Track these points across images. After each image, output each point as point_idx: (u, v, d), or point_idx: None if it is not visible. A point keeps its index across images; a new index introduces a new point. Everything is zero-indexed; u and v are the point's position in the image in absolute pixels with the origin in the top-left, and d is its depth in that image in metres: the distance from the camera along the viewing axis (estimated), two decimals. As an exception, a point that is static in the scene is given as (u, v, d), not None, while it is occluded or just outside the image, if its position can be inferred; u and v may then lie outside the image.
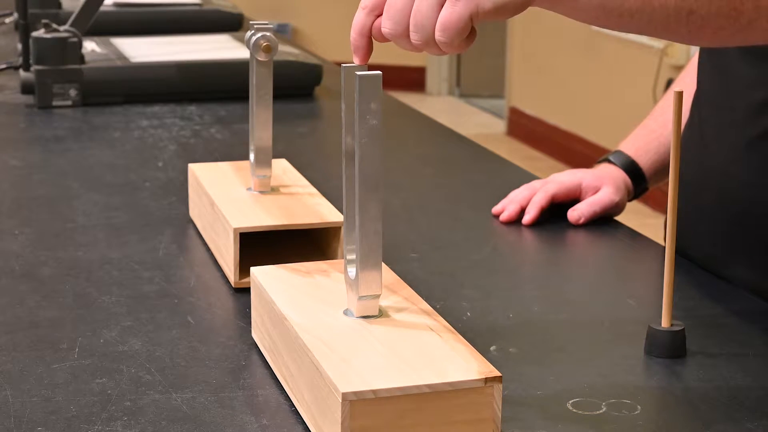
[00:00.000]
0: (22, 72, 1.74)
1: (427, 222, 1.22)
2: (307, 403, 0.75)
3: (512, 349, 0.88)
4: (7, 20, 2.43)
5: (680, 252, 1.05)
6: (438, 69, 6.42)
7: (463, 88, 6.39)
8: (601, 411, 0.78)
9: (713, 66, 1.12)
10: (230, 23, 2.32)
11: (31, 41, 1.72)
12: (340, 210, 0.89)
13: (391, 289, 0.83)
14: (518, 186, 1.37)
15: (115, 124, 1.63)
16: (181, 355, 0.86)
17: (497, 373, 0.71)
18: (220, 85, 1.80)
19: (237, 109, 1.72)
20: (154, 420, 0.76)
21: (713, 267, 1.08)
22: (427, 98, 6.30)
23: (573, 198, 1.22)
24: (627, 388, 0.81)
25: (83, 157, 1.44)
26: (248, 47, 1.06)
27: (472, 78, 6.35)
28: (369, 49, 0.82)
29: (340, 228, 1.00)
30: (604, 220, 1.21)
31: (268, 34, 1.06)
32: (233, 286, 1.00)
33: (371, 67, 0.74)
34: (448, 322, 0.78)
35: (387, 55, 6.72)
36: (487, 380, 0.70)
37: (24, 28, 1.76)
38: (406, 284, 0.85)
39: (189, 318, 0.93)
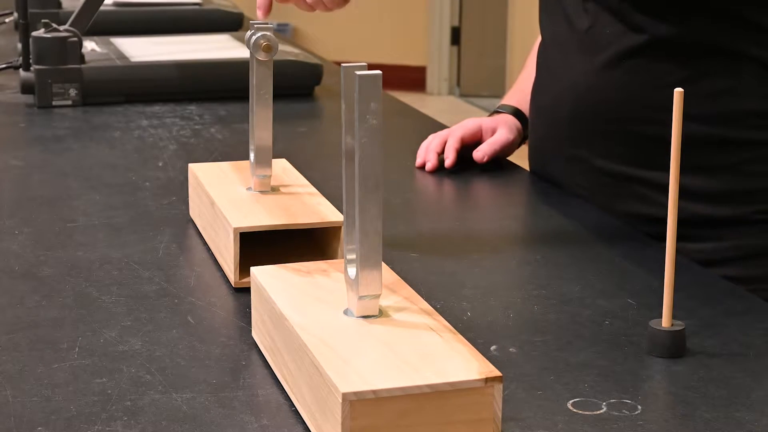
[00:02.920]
0: (22, 72, 1.74)
1: (427, 222, 1.22)
2: (307, 403, 0.75)
3: (512, 349, 0.88)
4: (7, 20, 2.44)
5: (539, 174, 1.37)
6: (438, 69, 6.42)
7: (463, 88, 6.39)
8: (601, 411, 0.78)
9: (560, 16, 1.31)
10: (230, 23, 2.32)
11: (31, 41, 1.72)
12: (340, 210, 0.89)
13: (391, 289, 0.83)
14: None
15: (115, 124, 1.63)
16: (181, 355, 0.86)
17: (497, 373, 0.71)
18: (220, 85, 1.80)
19: (237, 108, 1.72)
20: (154, 420, 0.76)
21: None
22: (427, 98, 6.30)
23: (477, 139, 1.43)
24: (627, 388, 0.81)
25: (83, 157, 1.44)
26: (248, 47, 1.06)
27: (472, 78, 6.35)
28: (270, 6, 1.19)
29: (340, 228, 1.00)
30: (605, 220, 1.21)
31: (268, 33, 1.06)
32: (233, 285, 1.00)
33: (371, 67, 0.74)
34: (448, 322, 0.78)
35: (387, 55, 6.72)
36: (487, 380, 0.70)
37: (24, 28, 1.76)
38: (406, 284, 0.85)
39: (189, 318, 0.93)
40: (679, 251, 1.13)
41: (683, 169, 1.18)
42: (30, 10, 1.83)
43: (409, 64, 6.40)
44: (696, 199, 1.21)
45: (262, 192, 1.09)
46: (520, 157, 1.44)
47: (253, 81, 1.07)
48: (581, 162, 1.28)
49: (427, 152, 1.41)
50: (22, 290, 0.99)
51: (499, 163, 1.42)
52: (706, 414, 0.78)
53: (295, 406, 0.78)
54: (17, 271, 1.04)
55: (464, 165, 1.39)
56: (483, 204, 1.35)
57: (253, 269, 0.88)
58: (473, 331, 0.90)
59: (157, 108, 1.72)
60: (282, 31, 6.33)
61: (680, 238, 1.19)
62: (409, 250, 1.10)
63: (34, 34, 1.72)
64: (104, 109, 1.72)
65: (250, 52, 1.06)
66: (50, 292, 0.98)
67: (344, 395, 0.68)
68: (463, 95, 6.36)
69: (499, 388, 0.70)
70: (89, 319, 0.93)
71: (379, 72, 0.73)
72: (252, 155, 1.08)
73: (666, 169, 1.15)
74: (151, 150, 1.48)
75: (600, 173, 1.27)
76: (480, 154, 1.40)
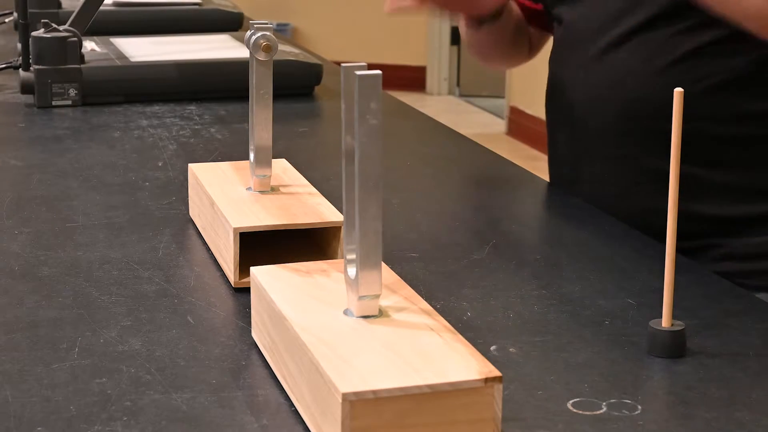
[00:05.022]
0: (21, 72, 1.74)
1: (427, 222, 1.22)
2: (307, 403, 0.75)
3: (512, 349, 0.88)
4: (7, 20, 2.44)
5: (567, 188, 1.35)
6: (438, 68, 6.43)
7: (463, 87, 6.40)
8: (601, 411, 0.78)
9: (563, 24, 1.35)
10: (230, 23, 2.32)
11: (30, 41, 1.72)
12: (340, 210, 0.89)
13: (391, 289, 0.83)
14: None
15: (115, 123, 1.63)
16: (180, 355, 0.86)
17: (497, 373, 0.71)
18: (220, 85, 1.80)
19: (237, 108, 1.72)
20: (154, 420, 0.76)
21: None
22: (427, 98, 6.31)
23: None
24: (627, 388, 0.81)
25: (83, 157, 1.44)
26: (248, 47, 1.06)
27: (472, 78, 6.35)
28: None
29: (340, 228, 1.00)
30: (605, 220, 1.21)
31: (268, 33, 1.06)
32: (233, 285, 1.00)
33: (371, 67, 0.74)
34: (448, 322, 0.78)
35: (387, 55, 6.73)
36: (487, 380, 0.70)
37: (24, 28, 1.76)
38: (406, 284, 0.85)
39: (189, 318, 0.93)
40: (722, 246, 1.16)
41: (740, 165, 1.22)
42: (30, 10, 1.83)
43: (409, 64, 6.40)
44: (748, 196, 1.25)
45: (261, 192, 1.09)
46: (522, 158, 1.44)
47: (253, 81, 1.07)
48: (629, 159, 1.29)
49: None
50: (22, 290, 0.99)
51: (499, 161, 1.42)
52: (706, 414, 0.78)
53: (295, 406, 0.78)
54: (17, 271, 1.04)
55: (465, 165, 1.39)
56: (483, 204, 1.35)
57: (253, 269, 0.88)
58: (473, 331, 0.90)
59: (156, 108, 1.72)
60: (282, 31, 6.34)
61: (727, 233, 1.22)
62: (409, 250, 1.10)
63: (34, 34, 1.72)
64: (104, 109, 1.71)
65: (250, 52, 1.06)
66: (50, 292, 0.98)
67: (344, 395, 0.68)
68: (463, 95, 6.36)
69: (499, 388, 0.70)
70: (89, 319, 0.93)
71: (379, 72, 0.73)
72: (252, 155, 1.08)
73: (717, 165, 1.20)
74: (151, 150, 1.48)
75: (649, 171, 1.27)
76: None
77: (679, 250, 1.24)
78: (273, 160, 1.11)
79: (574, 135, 1.37)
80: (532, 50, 1.59)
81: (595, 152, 1.32)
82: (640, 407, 0.78)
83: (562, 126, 1.39)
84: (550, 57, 1.44)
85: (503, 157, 1.46)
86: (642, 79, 1.26)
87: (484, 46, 1.57)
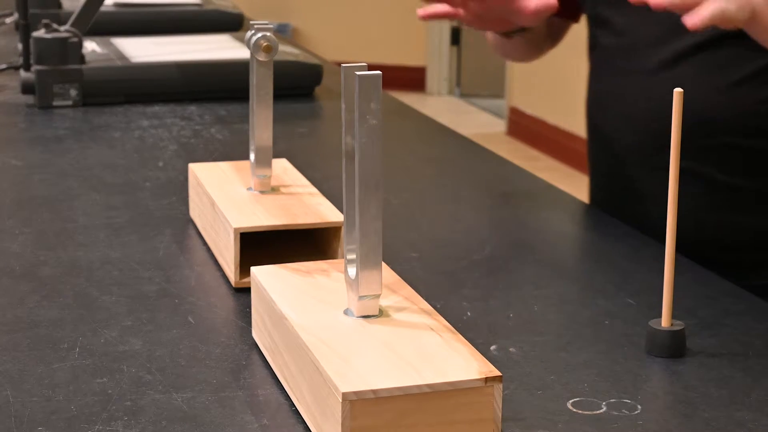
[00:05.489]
0: (22, 72, 1.74)
1: (427, 222, 1.23)
2: (307, 403, 0.75)
3: (512, 349, 0.88)
4: (8, 20, 2.44)
5: (616, 202, 1.33)
6: (438, 69, 6.43)
7: (463, 88, 6.39)
8: (601, 411, 0.78)
9: (614, 29, 1.33)
10: (230, 23, 2.32)
11: (31, 41, 1.72)
12: (340, 210, 0.89)
13: (391, 288, 0.83)
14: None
15: (115, 124, 1.63)
16: (181, 354, 0.86)
17: (497, 373, 0.71)
18: (220, 85, 1.80)
19: (237, 109, 1.72)
20: (154, 420, 0.76)
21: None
22: (427, 98, 6.31)
23: None
24: (627, 388, 0.81)
25: (83, 157, 1.44)
26: (248, 47, 1.06)
27: (472, 78, 6.35)
28: None
29: (340, 228, 1.00)
30: (605, 220, 1.21)
31: (268, 34, 1.06)
32: (233, 285, 1.00)
33: (371, 67, 0.74)
34: (448, 321, 0.78)
35: (387, 55, 6.72)
36: (487, 380, 0.70)
37: (24, 28, 1.76)
38: (406, 284, 0.85)
39: (189, 318, 0.94)
40: None
41: None
42: (30, 11, 1.83)
43: (409, 64, 6.40)
44: None
45: (262, 192, 1.09)
46: (522, 158, 1.44)
47: (254, 81, 1.07)
48: (696, 174, 1.27)
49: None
50: (22, 290, 0.99)
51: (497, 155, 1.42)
52: (706, 414, 0.78)
53: (295, 406, 0.78)
54: (17, 271, 1.04)
55: (464, 165, 1.39)
56: (482, 204, 1.35)
57: (254, 269, 0.88)
58: (473, 331, 0.90)
59: (157, 108, 1.73)
60: (282, 31, 6.34)
61: None
62: (409, 250, 1.10)
63: (35, 34, 1.72)
64: (104, 109, 1.72)
65: (250, 53, 1.06)
66: (50, 292, 0.99)
67: (344, 395, 0.68)
68: (463, 95, 6.36)
69: (499, 387, 0.71)
70: (89, 319, 0.93)
71: (379, 72, 0.73)
72: (252, 155, 1.08)
73: None
74: (151, 150, 1.48)
75: (719, 186, 1.27)
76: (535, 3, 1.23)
77: (746, 262, 1.26)
78: (273, 160, 1.11)
79: (631, 146, 1.33)
80: (554, 41, 1.55)
81: (657, 165, 1.28)
82: (639, 407, 0.78)
83: (615, 137, 1.35)
84: (594, 63, 1.40)
85: (503, 158, 1.47)
86: (709, 95, 1.24)
87: (511, 50, 1.54)
